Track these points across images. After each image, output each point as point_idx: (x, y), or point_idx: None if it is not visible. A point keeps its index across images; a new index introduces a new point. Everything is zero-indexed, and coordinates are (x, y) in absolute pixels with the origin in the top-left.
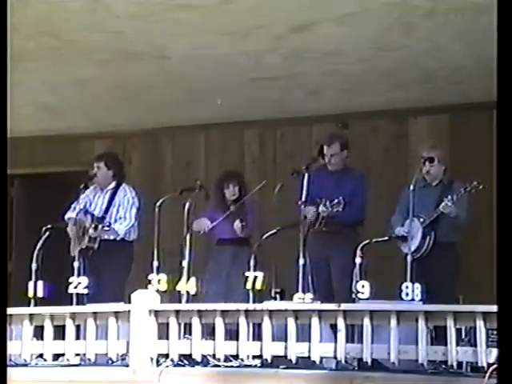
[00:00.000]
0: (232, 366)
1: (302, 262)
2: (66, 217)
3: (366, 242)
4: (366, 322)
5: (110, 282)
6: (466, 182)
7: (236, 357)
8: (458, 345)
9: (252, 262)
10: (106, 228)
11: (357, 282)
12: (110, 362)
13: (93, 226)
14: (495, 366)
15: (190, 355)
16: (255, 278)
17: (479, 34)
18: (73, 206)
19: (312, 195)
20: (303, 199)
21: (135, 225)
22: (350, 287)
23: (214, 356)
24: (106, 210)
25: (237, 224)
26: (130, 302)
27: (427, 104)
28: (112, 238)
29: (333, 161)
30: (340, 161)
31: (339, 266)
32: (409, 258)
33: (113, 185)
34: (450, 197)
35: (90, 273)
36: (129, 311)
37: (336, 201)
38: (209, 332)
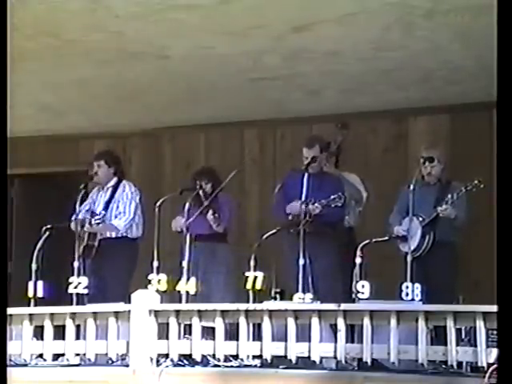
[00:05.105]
0: (232, 366)
1: (301, 262)
2: (72, 219)
3: (366, 242)
4: (366, 322)
5: (113, 282)
6: (465, 181)
7: (236, 357)
8: (458, 345)
9: (252, 262)
10: (98, 221)
11: (357, 282)
12: (110, 361)
13: (87, 221)
14: (495, 365)
15: (190, 355)
16: (255, 278)
17: (479, 34)
18: (77, 208)
19: (295, 196)
20: (303, 199)
21: (136, 220)
22: (330, 287)
23: (213, 356)
24: (106, 207)
25: (209, 215)
26: (130, 302)
27: (427, 104)
28: (114, 235)
29: (313, 163)
30: (319, 163)
31: (321, 267)
32: (408, 257)
33: (113, 182)
34: (449, 196)
35: (93, 272)
36: (129, 311)
37: (335, 196)
38: (209, 332)
